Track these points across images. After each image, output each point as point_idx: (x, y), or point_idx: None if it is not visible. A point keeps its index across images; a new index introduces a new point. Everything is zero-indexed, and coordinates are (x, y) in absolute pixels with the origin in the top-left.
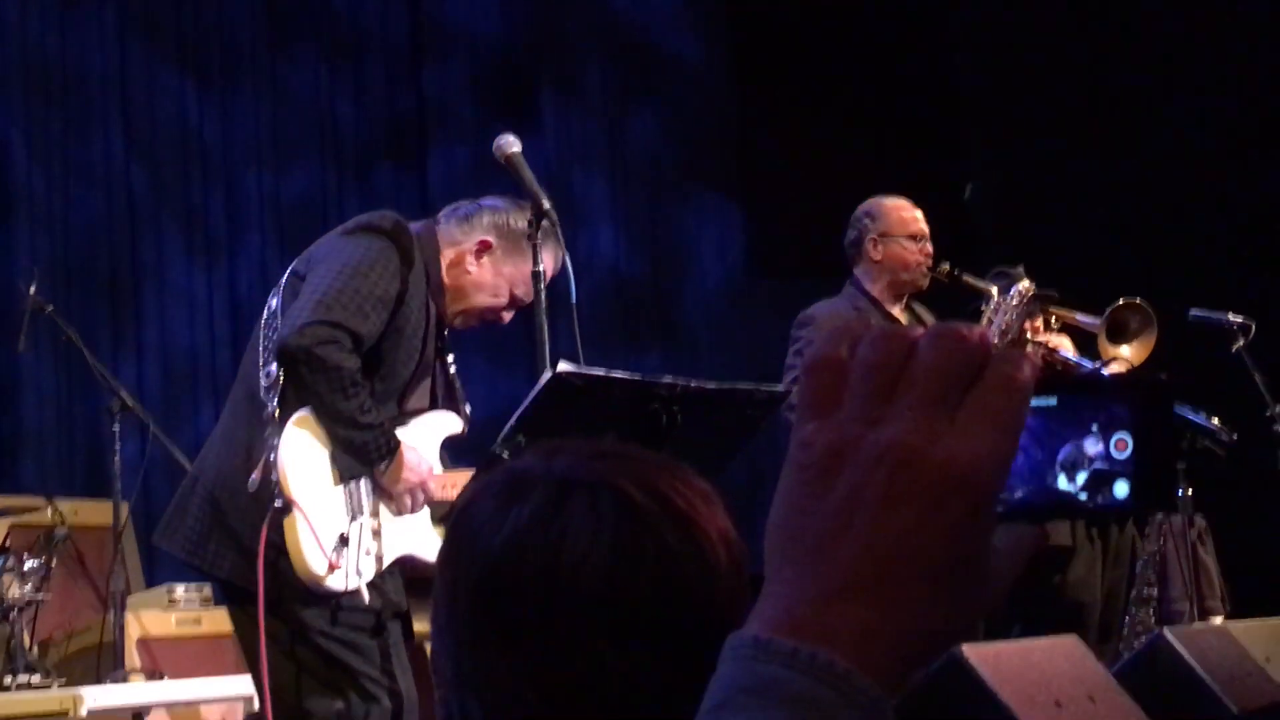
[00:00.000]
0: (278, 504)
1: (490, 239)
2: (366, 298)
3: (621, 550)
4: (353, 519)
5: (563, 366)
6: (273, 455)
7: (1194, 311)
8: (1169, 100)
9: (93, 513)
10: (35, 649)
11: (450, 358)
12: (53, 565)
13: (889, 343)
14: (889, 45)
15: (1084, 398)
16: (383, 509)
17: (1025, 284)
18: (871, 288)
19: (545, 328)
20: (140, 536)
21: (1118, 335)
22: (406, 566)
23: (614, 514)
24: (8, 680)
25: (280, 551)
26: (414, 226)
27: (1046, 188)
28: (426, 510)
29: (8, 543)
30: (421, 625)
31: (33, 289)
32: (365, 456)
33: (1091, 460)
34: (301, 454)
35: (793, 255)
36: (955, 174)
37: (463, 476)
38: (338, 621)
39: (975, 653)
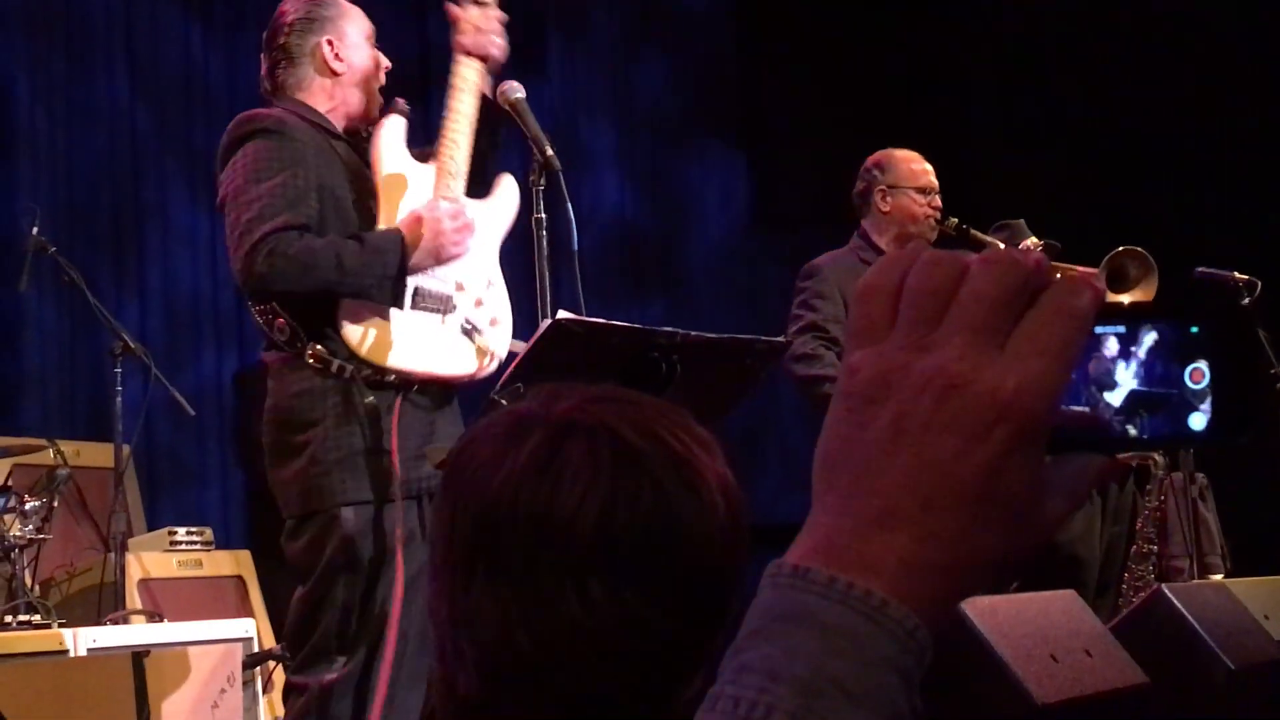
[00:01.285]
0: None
1: (319, 39)
2: (278, 193)
3: (617, 493)
4: (453, 310)
5: (562, 314)
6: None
7: (1199, 269)
8: (1176, 52)
9: (95, 454)
10: (36, 588)
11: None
12: (54, 506)
13: (938, 268)
14: None
15: (1157, 323)
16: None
17: (1032, 239)
18: (879, 239)
19: (546, 275)
20: (141, 478)
21: (1118, 283)
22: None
23: (611, 457)
24: (8, 619)
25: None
26: (271, 111)
27: (1051, 140)
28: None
29: (9, 482)
30: None
31: (35, 229)
32: (385, 274)
33: (1166, 388)
34: (363, 326)
35: (797, 206)
36: (960, 124)
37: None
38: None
39: (972, 606)
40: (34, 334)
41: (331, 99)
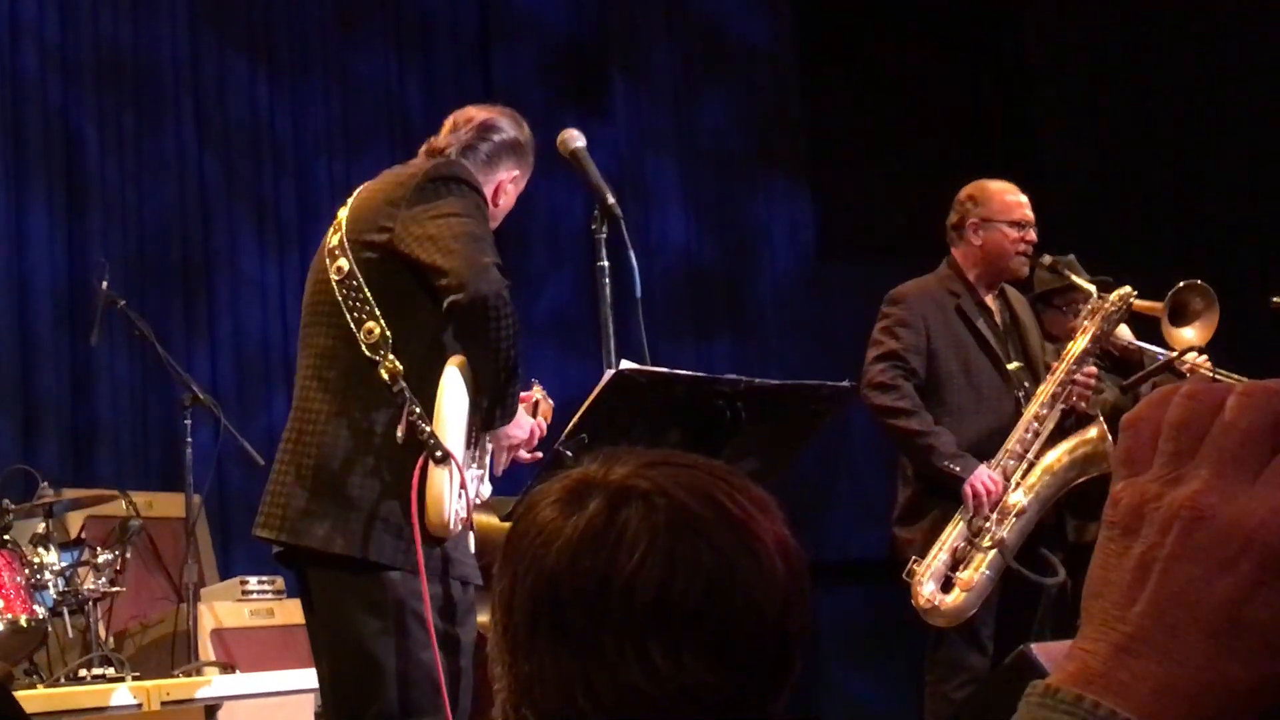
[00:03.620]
0: (437, 454)
1: (515, 172)
2: (491, 241)
3: (676, 558)
4: (467, 468)
5: (625, 364)
6: (415, 405)
7: (1275, 299)
8: (1242, 84)
9: (166, 504)
10: (110, 640)
11: None
12: (127, 557)
13: (1195, 402)
14: (958, 25)
15: None
16: (481, 462)
17: (1126, 289)
18: (968, 272)
19: (610, 323)
20: (213, 527)
21: (1180, 318)
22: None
23: (668, 522)
24: (83, 672)
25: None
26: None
27: (1117, 171)
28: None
29: (83, 534)
30: (483, 617)
31: (105, 283)
32: (508, 408)
33: None
34: (457, 403)
35: (863, 238)
36: (1025, 155)
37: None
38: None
39: (1043, 650)
40: (106, 386)
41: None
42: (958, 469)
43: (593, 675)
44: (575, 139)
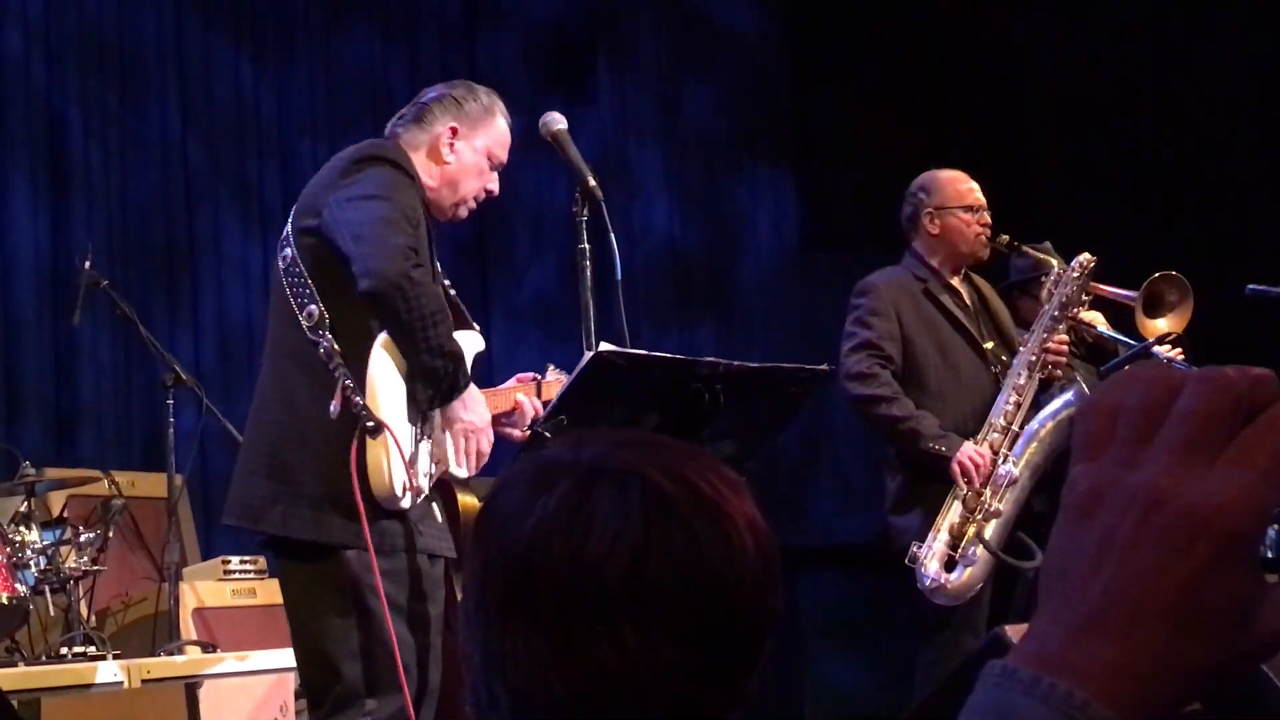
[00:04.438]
0: (369, 424)
1: (453, 124)
2: (409, 218)
3: (648, 537)
4: (416, 445)
5: (604, 346)
6: (348, 380)
7: (1250, 287)
8: (1224, 75)
9: (149, 484)
10: (92, 619)
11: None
12: (109, 536)
13: (1153, 386)
14: (944, 14)
15: None
16: (435, 437)
17: (1086, 256)
18: (930, 260)
19: (590, 305)
20: (195, 507)
21: (1154, 309)
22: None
23: (641, 501)
24: (64, 650)
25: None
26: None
27: (1101, 160)
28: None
29: (65, 514)
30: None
31: (87, 264)
32: (441, 387)
33: None
34: (387, 376)
35: (848, 226)
36: (1010, 144)
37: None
38: (393, 579)
39: (1016, 632)
40: (88, 367)
41: (428, 179)
42: (943, 449)
43: (564, 655)
44: (556, 121)
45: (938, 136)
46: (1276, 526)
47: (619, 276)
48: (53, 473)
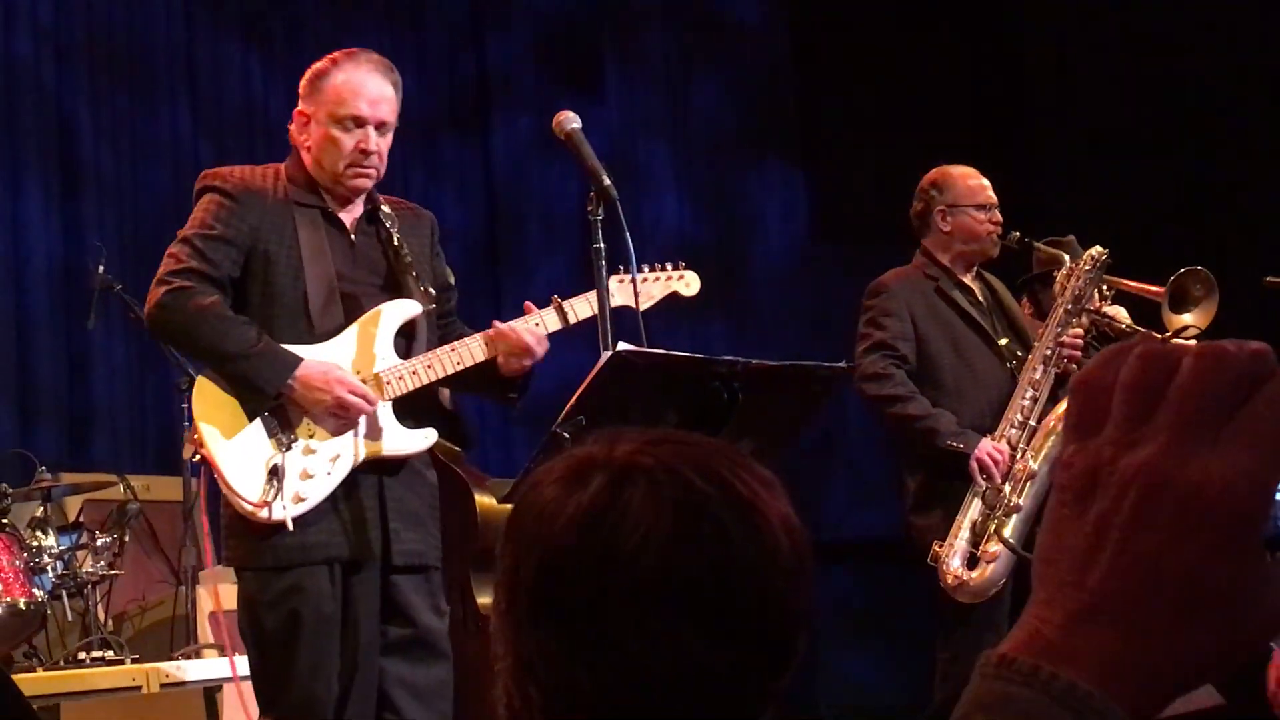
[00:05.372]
0: (195, 458)
1: (298, 110)
2: (203, 243)
3: (680, 535)
4: (287, 449)
5: (622, 346)
6: (187, 421)
7: (1268, 278)
8: (1235, 63)
9: (164, 488)
10: (109, 623)
11: (398, 242)
12: (125, 541)
13: (1150, 363)
14: (951, 7)
15: None
16: (318, 431)
17: (1097, 249)
18: (941, 257)
19: (607, 305)
20: (211, 510)
21: (1180, 304)
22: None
23: (673, 499)
24: (82, 655)
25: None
26: (234, 171)
27: (1112, 155)
28: (387, 408)
29: (81, 518)
30: (484, 599)
31: (100, 267)
32: (253, 385)
33: None
34: (207, 403)
35: (858, 221)
36: (1019, 137)
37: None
38: (270, 602)
39: None
40: (103, 370)
41: (310, 168)
42: (961, 446)
43: (596, 654)
44: (570, 121)
45: (947, 130)
46: None
47: (635, 276)
48: (68, 477)
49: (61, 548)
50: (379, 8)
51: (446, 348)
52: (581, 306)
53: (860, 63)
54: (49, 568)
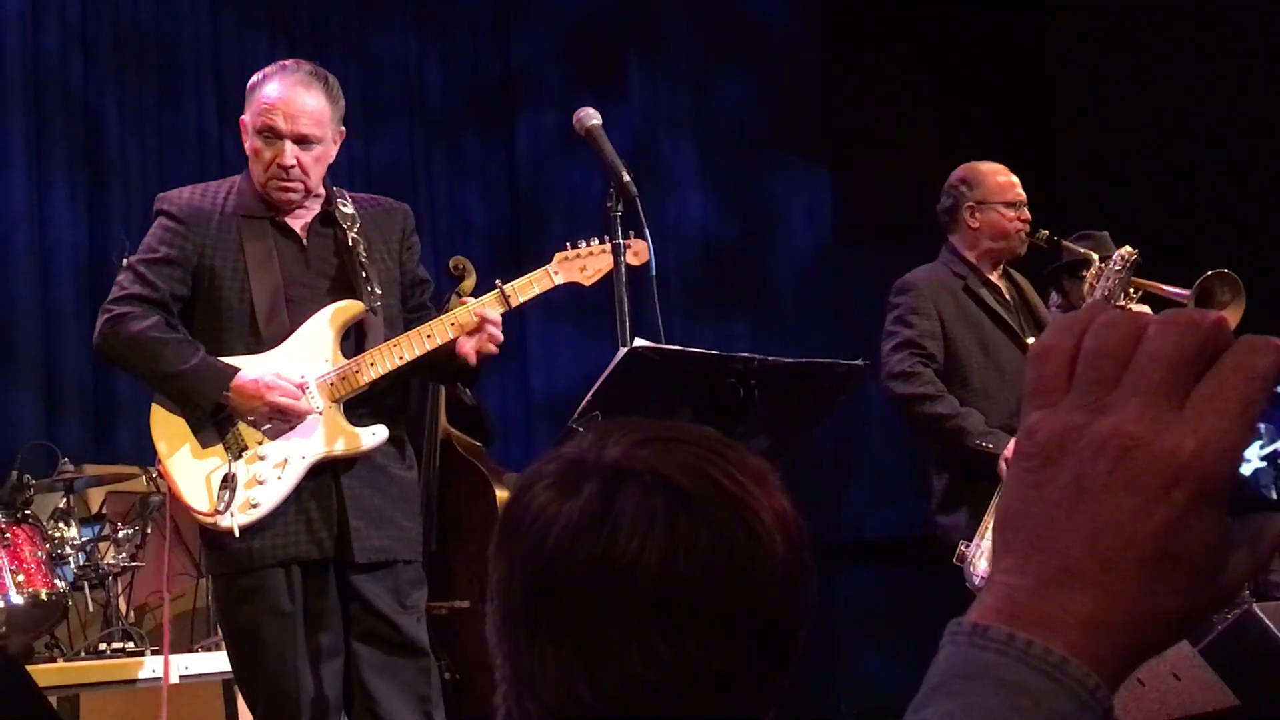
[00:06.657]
0: (157, 473)
1: (243, 119)
2: (145, 268)
3: (676, 542)
4: (235, 459)
5: (639, 342)
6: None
7: None
8: (1265, 63)
9: None
10: (130, 615)
11: (352, 243)
12: (148, 532)
13: (1116, 330)
14: (977, 7)
15: None
16: (264, 439)
17: (1128, 249)
18: (969, 254)
19: (625, 301)
20: None
21: (1206, 307)
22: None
23: (666, 505)
24: (103, 646)
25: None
26: (181, 193)
27: (1138, 153)
28: (335, 409)
29: (104, 510)
30: None
31: (125, 260)
32: (191, 401)
33: None
34: (160, 423)
35: (882, 220)
36: (1046, 136)
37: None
38: (237, 602)
39: None
40: None
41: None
42: (990, 446)
43: (595, 666)
44: (591, 117)
45: (972, 129)
46: None
47: (654, 272)
48: (91, 469)
49: (84, 539)
50: (404, 6)
51: (400, 338)
52: (526, 289)
53: (885, 61)
54: (71, 559)
